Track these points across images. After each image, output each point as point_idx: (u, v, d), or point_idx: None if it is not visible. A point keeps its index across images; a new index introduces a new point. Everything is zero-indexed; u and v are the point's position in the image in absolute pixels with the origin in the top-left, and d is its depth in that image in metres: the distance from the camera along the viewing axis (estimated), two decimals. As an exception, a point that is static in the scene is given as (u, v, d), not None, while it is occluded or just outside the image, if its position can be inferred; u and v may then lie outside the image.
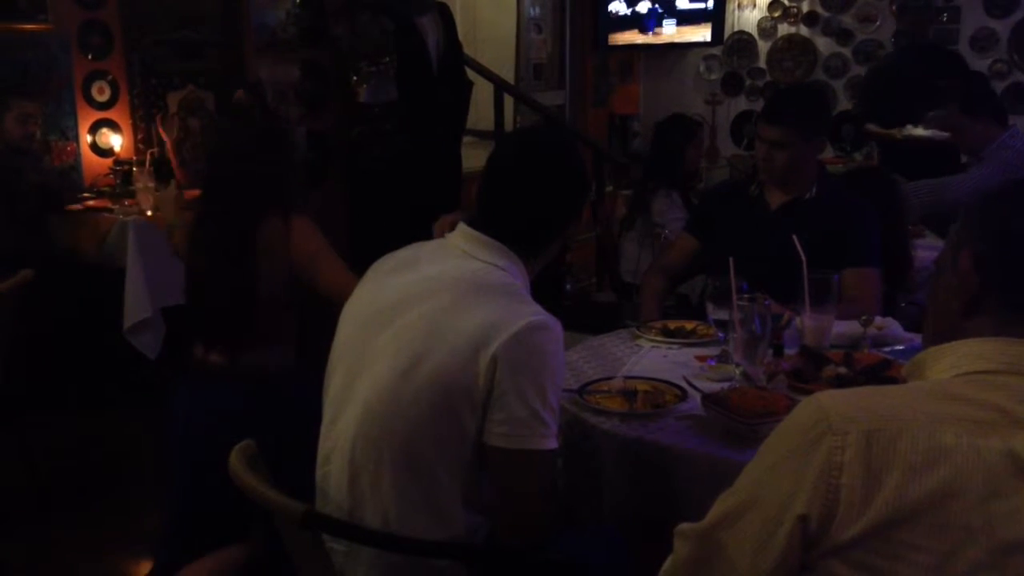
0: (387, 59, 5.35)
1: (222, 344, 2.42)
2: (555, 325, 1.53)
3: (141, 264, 3.98)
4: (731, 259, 2.00)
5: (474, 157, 5.56)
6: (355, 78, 5.45)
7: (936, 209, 3.41)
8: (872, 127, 4.99)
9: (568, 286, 4.10)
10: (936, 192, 3.40)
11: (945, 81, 4.22)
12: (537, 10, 6.94)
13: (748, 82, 7.32)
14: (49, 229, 4.20)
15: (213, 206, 2.49)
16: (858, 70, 6.89)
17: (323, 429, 1.67)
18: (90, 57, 4.56)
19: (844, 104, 6.99)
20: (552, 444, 1.52)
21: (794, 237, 2.19)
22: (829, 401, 1.08)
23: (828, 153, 6.86)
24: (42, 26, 4.36)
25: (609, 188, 5.98)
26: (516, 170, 1.68)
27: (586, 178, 1.75)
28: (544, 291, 4.04)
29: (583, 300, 4.14)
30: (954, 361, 1.10)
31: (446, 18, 5.28)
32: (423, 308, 1.57)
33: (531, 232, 1.67)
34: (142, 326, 3.97)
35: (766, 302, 1.97)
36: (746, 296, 2.07)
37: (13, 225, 3.94)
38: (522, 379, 1.48)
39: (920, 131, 4.10)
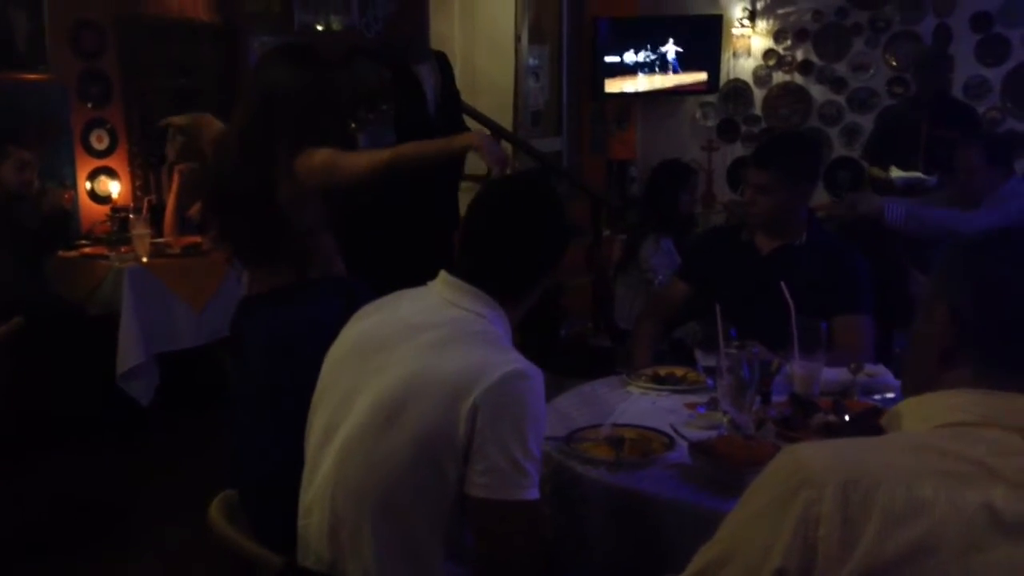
0: (385, 106, 5.40)
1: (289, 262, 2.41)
2: (535, 373, 1.52)
3: (135, 311, 3.99)
4: (717, 306, 1.99)
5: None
6: (353, 125, 5.50)
7: (922, 237, 3.36)
8: (876, 171, 5.03)
9: (563, 331, 4.09)
10: (944, 226, 3.31)
11: (956, 131, 4.26)
12: (535, 59, 7.02)
13: (744, 128, 7.38)
14: (45, 275, 4.21)
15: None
16: (853, 117, 6.95)
17: (304, 478, 1.65)
18: (89, 105, 4.60)
19: (840, 150, 7.04)
20: (533, 495, 1.50)
21: (782, 284, 2.19)
22: (806, 453, 1.07)
23: (824, 198, 6.91)
24: (42, 75, 4.41)
25: (607, 233, 6.00)
26: (495, 218, 1.68)
27: (566, 224, 1.75)
28: (538, 336, 4.04)
29: (577, 345, 4.13)
30: (932, 412, 1.09)
31: (444, 67, 5.34)
32: (405, 353, 1.56)
33: (512, 279, 1.67)
34: (135, 373, 3.97)
35: (754, 349, 1.96)
36: (735, 343, 2.06)
37: (9, 270, 3.94)
38: (503, 428, 1.47)
39: (913, 174, 4.12)
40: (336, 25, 5.78)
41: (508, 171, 2.58)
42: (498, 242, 1.66)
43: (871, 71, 6.87)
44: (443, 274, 1.68)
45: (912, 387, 1.17)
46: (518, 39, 6.88)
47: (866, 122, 6.72)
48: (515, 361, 1.52)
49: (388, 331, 1.62)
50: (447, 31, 8.12)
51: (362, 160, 2.39)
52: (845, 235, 3.34)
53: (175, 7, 4.86)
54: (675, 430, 1.93)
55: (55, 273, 4.26)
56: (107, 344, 3.95)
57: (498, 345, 1.57)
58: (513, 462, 1.47)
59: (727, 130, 7.43)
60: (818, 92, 7.09)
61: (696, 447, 1.78)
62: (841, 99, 7.02)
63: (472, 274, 1.64)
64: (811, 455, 1.06)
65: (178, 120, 2.97)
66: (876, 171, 5.09)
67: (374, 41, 5.78)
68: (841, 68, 6.98)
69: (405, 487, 1.50)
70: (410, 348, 1.57)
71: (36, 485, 3.52)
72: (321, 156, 2.36)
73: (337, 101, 2.44)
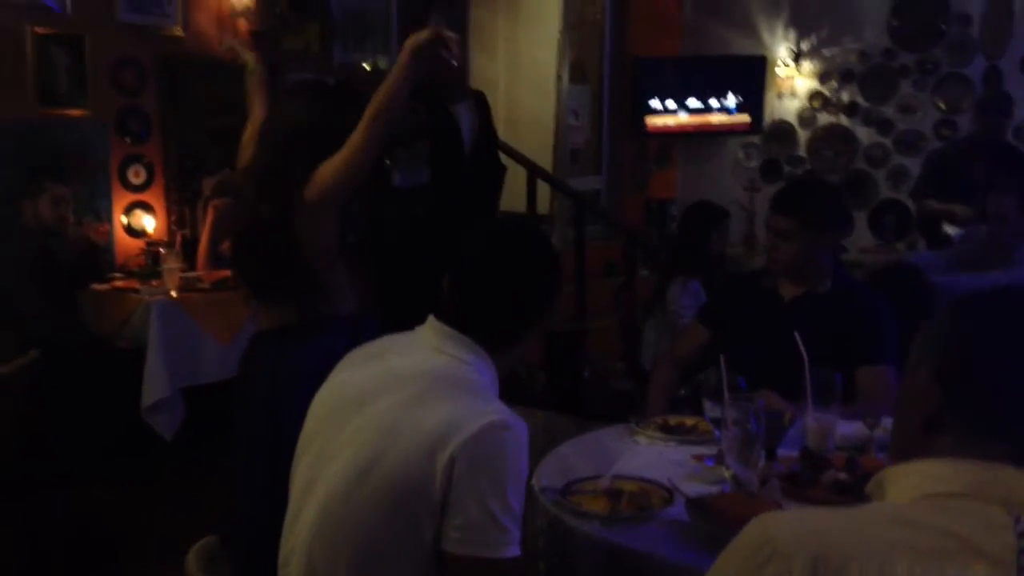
0: (419, 144, 5.42)
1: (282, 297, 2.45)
2: (517, 425, 1.47)
3: (162, 344, 4.01)
4: (722, 356, 1.92)
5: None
6: (388, 162, 5.52)
7: None
8: (932, 203, 4.92)
9: (586, 373, 4.03)
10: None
11: (1008, 176, 4.15)
12: (576, 98, 7.01)
13: (787, 169, 7.26)
14: (78, 307, 4.26)
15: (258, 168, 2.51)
16: (899, 160, 6.81)
17: (285, 527, 1.61)
18: (128, 141, 4.68)
19: (886, 193, 6.90)
20: (512, 552, 1.44)
21: (796, 335, 2.11)
22: (776, 523, 1.01)
23: (868, 241, 6.77)
24: (82, 111, 4.49)
25: (644, 273, 5.93)
26: (485, 264, 1.64)
27: (557, 273, 1.70)
28: (562, 378, 3.98)
29: (600, 387, 4.06)
30: (915, 482, 1.02)
31: (481, 105, 5.34)
32: (385, 404, 1.52)
33: (500, 327, 1.62)
34: (160, 406, 3.98)
35: (760, 401, 1.89)
36: (743, 394, 1.99)
37: (43, 303, 3.99)
38: (480, 481, 1.41)
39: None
40: (381, 64, 5.83)
41: (455, 63, 2.56)
42: (487, 289, 1.62)
43: (919, 113, 6.73)
44: (431, 319, 1.64)
45: (897, 453, 1.10)
46: (559, 78, 6.89)
47: (913, 165, 6.57)
48: (497, 412, 1.47)
49: (371, 382, 1.58)
50: (491, 70, 8.18)
51: (350, 141, 2.38)
52: (875, 283, 3.25)
53: (215, 46, 4.94)
54: (671, 484, 1.85)
55: (88, 306, 4.30)
56: (134, 377, 3.97)
57: (481, 394, 1.52)
58: (491, 517, 1.41)
59: (770, 171, 7.32)
60: (864, 134, 6.97)
61: (693, 503, 1.70)
62: (888, 141, 6.89)
63: (460, 320, 1.60)
64: (781, 525, 1.00)
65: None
66: (929, 204, 4.98)
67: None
68: (888, 110, 6.86)
69: (381, 541, 1.46)
70: (391, 400, 1.53)
71: (52, 517, 3.53)
72: (321, 170, 2.39)
73: (349, 132, 2.44)
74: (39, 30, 4.30)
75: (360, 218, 5.46)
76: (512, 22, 8.30)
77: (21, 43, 4.26)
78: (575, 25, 7.20)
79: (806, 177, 6.64)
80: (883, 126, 6.87)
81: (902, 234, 6.62)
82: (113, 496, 3.86)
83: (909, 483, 1.02)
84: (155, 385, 3.97)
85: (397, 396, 1.52)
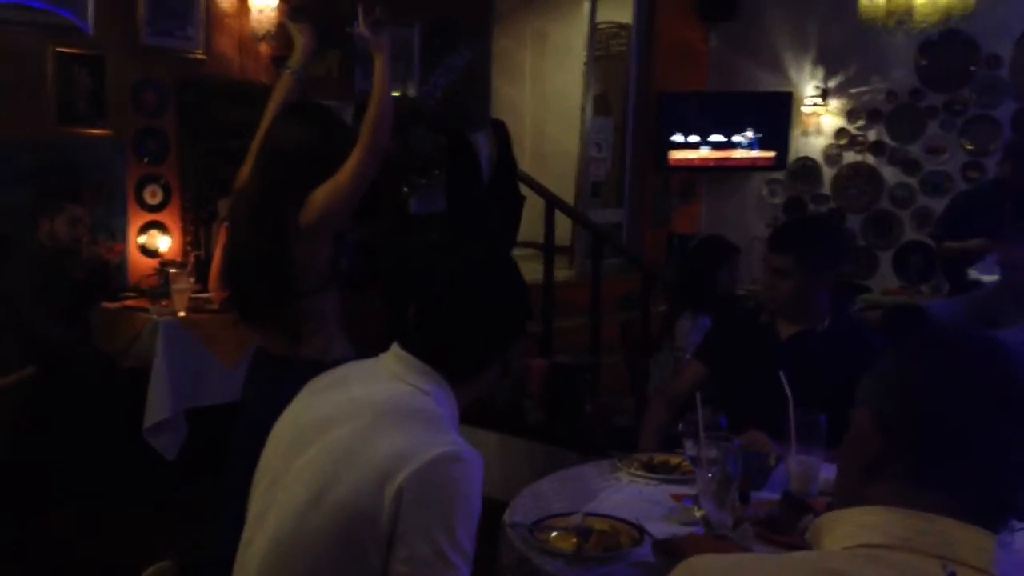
0: (437, 171, 5.43)
1: (272, 330, 2.52)
2: (471, 457, 1.43)
3: (167, 365, 4.01)
4: (698, 394, 1.87)
5: (528, 270, 5.51)
6: (405, 189, 5.54)
7: None
8: (950, 244, 4.84)
9: (588, 407, 3.98)
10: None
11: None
12: (599, 130, 7.00)
13: (811, 207, 7.19)
14: (87, 325, 4.29)
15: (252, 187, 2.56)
16: (925, 201, 6.72)
17: (239, 551, 1.58)
18: (145, 161, 4.72)
19: (911, 234, 6.80)
20: (459, 589, 1.40)
21: (780, 374, 2.06)
22: (704, 567, 0.97)
23: (893, 283, 6.67)
24: (101, 131, 4.54)
25: (662, 308, 5.87)
26: (447, 299, 1.62)
27: (522, 307, 1.67)
28: (565, 413, 3.92)
29: (601, 422, 4.00)
30: (849, 531, 0.97)
31: (501, 134, 5.35)
32: (341, 432, 1.49)
33: (461, 360, 1.59)
34: (162, 427, 3.98)
35: (737, 442, 1.83)
36: (722, 433, 1.94)
37: (51, 319, 4.01)
38: (428, 515, 1.38)
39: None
40: (410, 91, 5.87)
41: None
42: (450, 323, 1.60)
43: (946, 154, 6.64)
44: (395, 346, 1.62)
45: (838, 499, 1.06)
46: (583, 110, 6.89)
47: (939, 206, 6.45)
48: (450, 443, 1.43)
49: (331, 409, 1.55)
50: (518, 99, 8.22)
51: (346, 165, 2.42)
52: (884, 324, 3.18)
53: (236, 70, 4.99)
54: (637, 524, 1.80)
55: (98, 324, 4.33)
56: (139, 397, 3.97)
57: (436, 424, 1.49)
58: (437, 552, 1.37)
59: (794, 208, 7.24)
60: (890, 174, 6.88)
61: (659, 545, 1.65)
62: (914, 182, 6.79)
63: (422, 350, 1.58)
64: (707, 570, 0.96)
65: None
66: (947, 246, 4.90)
67: (433, 108, 5.85)
68: (915, 150, 6.77)
69: (327, 571, 1.42)
70: (348, 424, 1.50)
71: (45, 539, 3.49)
72: (319, 191, 2.41)
73: (345, 155, 2.44)
74: (61, 49, 4.36)
75: (377, 246, 5.51)
76: (539, 53, 8.34)
77: (42, 62, 4.32)
78: (601, 57, 7.21)
79: (805, 216, 6.56)
80: (909, 166, 6.78)
81: (927, 276, 6.50)
82: (111, 519, 3.83)
83: (843, 532, 0.98)
84: (158, 405, 3.96)
85: (355, 422, 1.49)
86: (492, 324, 1.61)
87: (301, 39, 2.81)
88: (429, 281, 1.64)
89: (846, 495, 1.03)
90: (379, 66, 2.55)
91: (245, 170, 2.71)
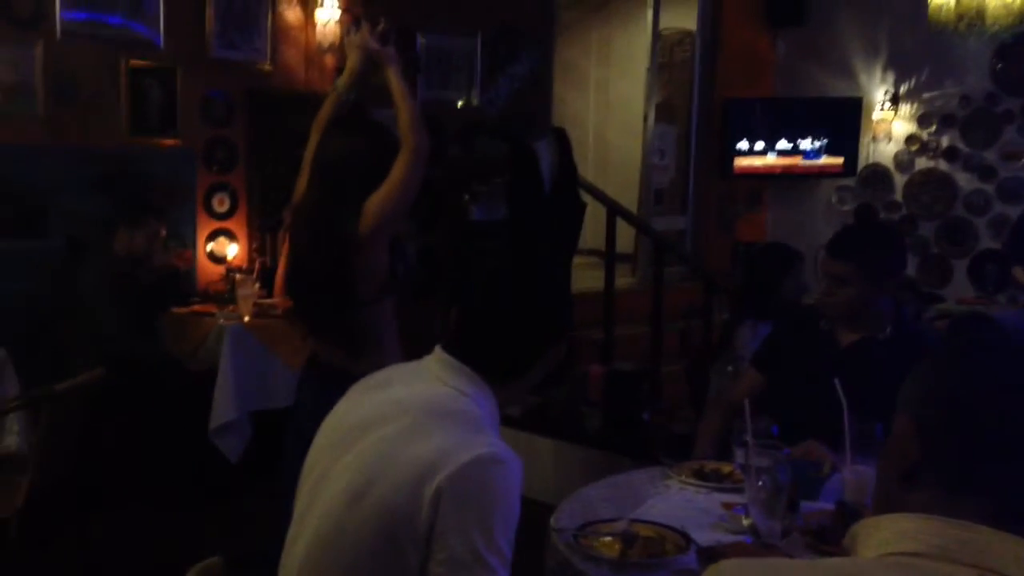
0: (498, 179, 5.46)
1: (332, 342, 2.56)
2: (510, 459, 1.43)
3: (233, 368, 4.10)
4: (746, 402, 1.85)
5: (590, 278, 5.53)
6: (467, 197, 5.58)
7: None
8: (1019, 270, 4.68)
9: (646, 415, 3.94)
10: None
11: None
12: (662, 137, 6.96)
13: (883, 215, 7.03)
14: (157, 330, 4.40)
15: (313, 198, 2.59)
16: (1001, 208, 6.51)
17: (283, 552, 1.61)
18: (214, 170, 4.84)
19: (987, 243, 6.60)
20: (497, 591, 1.40)
21: (836, 381, 2.02)
22: (730, 570, 0.95)
23: (969, 293, 6.48)
24: (172, 141, 4.67)
25: (725, 316, 5.79)
26: (489, 302, 1.63)
27: (564, 310, 1.67)
28: (623, 420, 3.88)
29: (660, 429, 3.97)
30: (885, 537, 0.95)
31: (562, 142, 5.36)
32: (383, 432, 1.51)
33: (502, 363, 1.60)
34: (227, 428, 4.06)
35: (786, 450, 1.80)
36: (773, 441, 1.91)
37: (122, 324, 4.13)
38: (466, 516, 1.38)
39: None
40: (473, 100, 5.91)
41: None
42: (491, 326, 1.60)
43: (1023, 160, 6.44)
44: (437, 349, 1.63)
45: (876, 505, 1.03)
46: (645, 117, 6.85)
47: (1016, 214, 6.27)
48: (489, 445, 1.43)
49: (374, 411, 1.57)
50: (581, 108, 8.22)
51: (399, 158, 2.46)
52: (952, 333, 3.09)
53: (302, 81, 5.09)
54: (683, 532, 1.77)
55: (167, 328, 4.44)
56: (205, 399, 4.06)
57: (475, 426, 1.49)
58: (475, 554, 1.37)
59: (865, 215, 7.08)
60: (964, 180, 6.70)
61: (703, 552, 1.63)
62: (990, 188, 6.60)
63: (464, 352, 1.59)
64: (736, 574, 0.94)
65: None
66: (1016, 272, 4.74)
67: (495, 117, 5.89)
68: (990, 156, 6.58)
69: (367, 568, 1.44)
70: (390, 424, 1.51)
71: (112, 537, 3.57)
72: (373, 198, 2.46)
73: (393, 161, 2.48)
74: (134, 63, 4.50)
75: (439, 254, 5.53)
76: (603, 62, 8.33)
77: (116, 75, 4.46)
78: (664, 65, 7.17)
79: (866, 223, 6.37)
80: (984, 172, 6.59)
81: (1002, 286, 6.30)
82: (177, 518, 3.92)
83: (878, 538, 0.95)
84: (224, 407, 4.05)
85: (397, 423, 1.51)
86: (532, 327, 1.61)
87: (353, 60, 2.85)
88: (470, 284, 1.65)
89: (884, 501, 1.00)
90: (390, 76, 2.59)
91: (301, 183, 2.75)
